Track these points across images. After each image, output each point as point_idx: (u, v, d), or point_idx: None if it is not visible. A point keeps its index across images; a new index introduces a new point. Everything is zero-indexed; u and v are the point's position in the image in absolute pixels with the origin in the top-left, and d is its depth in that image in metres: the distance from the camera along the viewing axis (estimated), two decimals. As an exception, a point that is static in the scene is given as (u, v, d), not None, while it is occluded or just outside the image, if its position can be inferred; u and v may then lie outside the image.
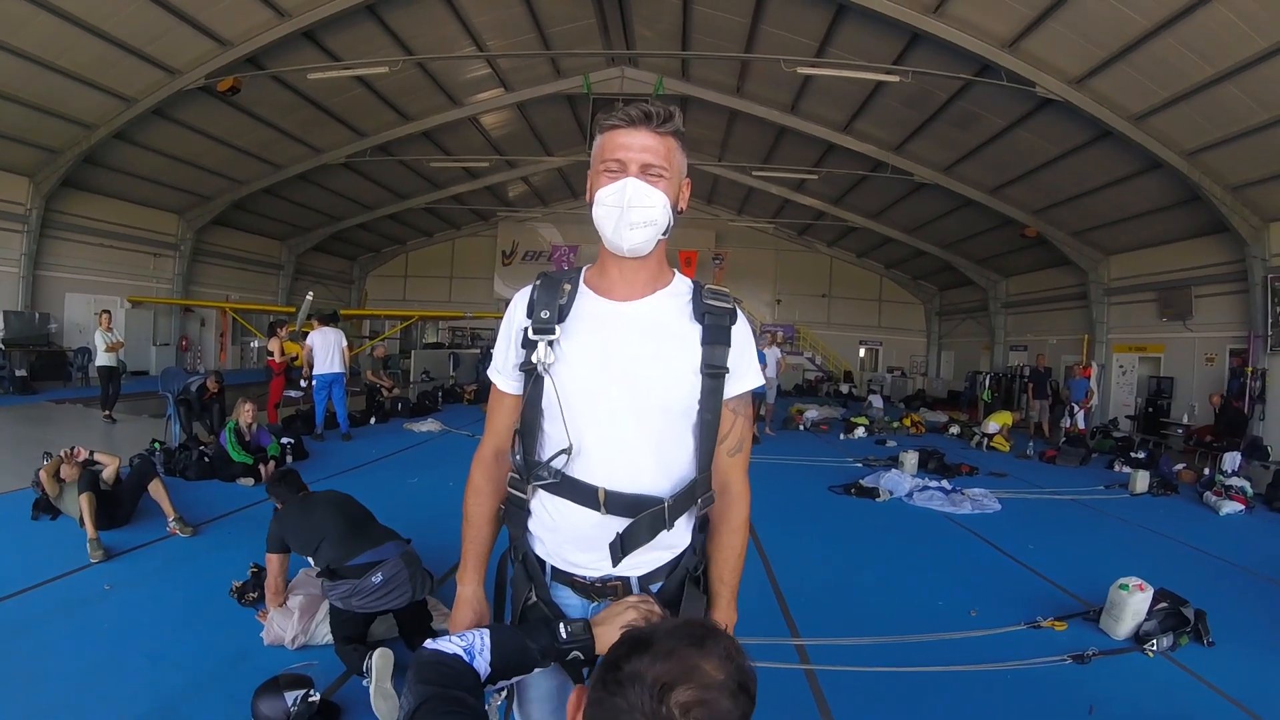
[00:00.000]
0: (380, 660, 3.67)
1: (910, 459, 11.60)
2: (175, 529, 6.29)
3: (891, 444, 14.53)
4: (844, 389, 28.44)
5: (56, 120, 15.87)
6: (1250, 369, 15.12)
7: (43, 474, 6.44)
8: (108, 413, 12.79)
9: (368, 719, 3.60)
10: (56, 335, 18.89)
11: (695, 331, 1.75)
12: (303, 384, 12.84)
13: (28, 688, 3.69)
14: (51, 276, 18.96)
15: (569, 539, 1.79)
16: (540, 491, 1.78)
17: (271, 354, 13.32)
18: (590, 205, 1.73)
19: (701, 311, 1.76)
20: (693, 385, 1.73)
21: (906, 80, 14.70)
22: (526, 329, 1.75)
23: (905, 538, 7.89)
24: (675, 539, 1.81)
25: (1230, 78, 11.58)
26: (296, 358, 13.46)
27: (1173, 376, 18.19)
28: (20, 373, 16.75)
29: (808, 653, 4.60)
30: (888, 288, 33.48)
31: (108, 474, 6.57)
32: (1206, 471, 11.92)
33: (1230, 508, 9.94)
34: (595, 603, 1.83)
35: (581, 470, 1.72)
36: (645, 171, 1.67)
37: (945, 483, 10.20)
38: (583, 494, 1.72)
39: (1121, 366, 20.26)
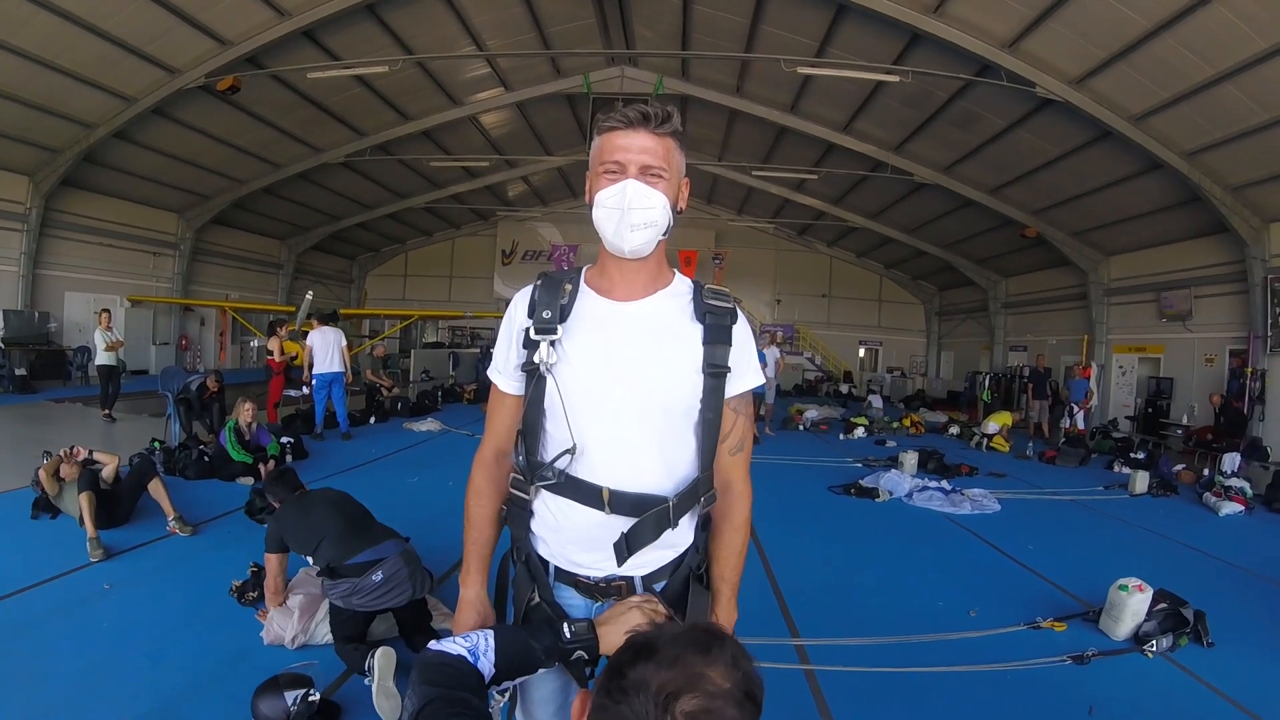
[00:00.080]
0: (382, 659, 3.66)
1: (910, 459, 11.60)
2: (175, 528, 6.29)
3: (891, 444, 14.52)
4: (844, 389, 28.41)
5: (56, 119, 15.86)
6: (1250, 370, 15.12)
7: (42, 473, 6.44)
8: (107, 412, 12.78)
9: (368, 718, 3.60)
10: (56, 334, 18.87)
11: (696, 331, 1.75)
12: (305, 389, 12.81)
13: (28, 687, 3.69)
14: (51, 275, 18.95)
15: (573, 539, 1.79)
16: (543, 492, 1.78)
17: (271, 353, 13.32)
18: (590, 207, 1.73)
19: (702, 311, 1.76)
20: (695, 384, 1.73)
21: (906, 80, 14.70)
22: (528, 329, 1.75)
23: (905, 538, 7.88)
24: (678, 538, 1.81)
25: (1230, 78, 11.58)
26: (296, 357, 13.47)
27: (1172, 377, 18.19)
28: (20, 372, 16.75)
29: (807, 653, 4.60)
30: (887, 288, 33.47)
31: (107, 473, 6.57)
32: (1206, 472, 11.92)
33: (1230, 508, 9.94)
34: (599, 603, 1.83)
35: (585, 470, 1.72)
36: (644, 173, 1.67)
37: (945, 483, 10.19)
38: (586, 494, 1.72)
39: (1121, 367, 20.26)
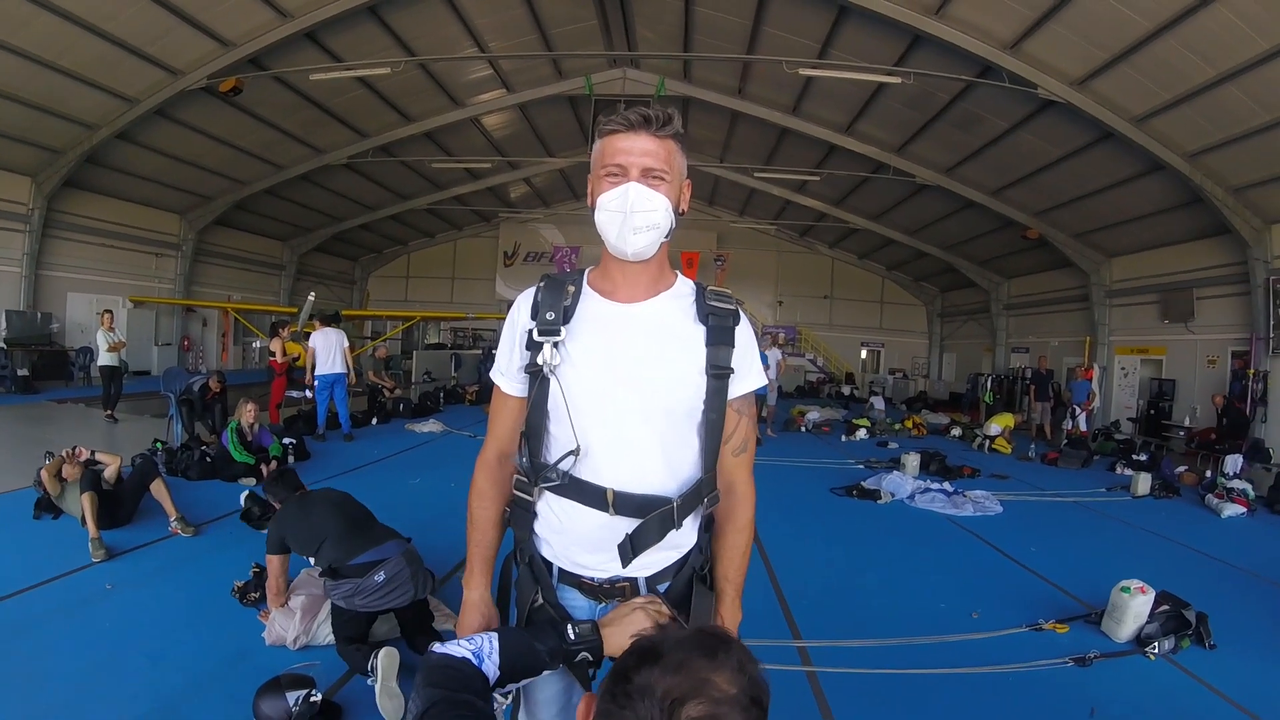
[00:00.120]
0: (386, 659, 3.67)
1: (912, 461, 11.60)
2: (177, 529, 6.29)
3: (893, 446, 14.51)
4: (846, 391, 28.39)
5: (58, 120, 15.89)
6: (1252, 371, 15.10)
7: (44, 473, 6.45)
8: (109, 412, 12.79)
9: (369, 719, 3.61)
10: (58, 335, 18.92)
11: (699, 333, 1.76)
12: (308, 393, 12.82)
13: (29, 687, 3.69)
14: (53, 276, 18.98)
15: (576, 540, 1.79)
16: (547, 493, 1.79)
17: (273, 354, 13.32)
18: (592, 210, 1.73)
19: (705, 313, 1.77)
20: (698, 386, 1.74)
21: (908, 82, 14.71)
22: (531, 331, 1.75)
23: (907, 540, 7.88)
24: (682, 539, 1.82)
25: (1232, 79, 11.57)
26: (298, 358, 13.46)
27: (1174, 379, 18.17)
28: (22, 372, 16.78)
29: (809, 655, 4.61)
30: (889, 289, 33.43)
31: (109, 473, 6.56)
32: (1208, 474, 11.91)
33: (1232, 510, 9.93)
34: (603, 604, 1.83)
35: (589, 472, 1.72)
36: (646, 175, 1.67)
37: (947, 485, 10.19)
38: (590, 495, 1.72)
39: (1123, 369, 20.23)
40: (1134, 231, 18.03)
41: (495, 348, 1.97)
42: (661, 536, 1.73)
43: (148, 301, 21.91)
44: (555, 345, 1.71)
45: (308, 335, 12.98)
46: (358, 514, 4.50)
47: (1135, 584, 5.11)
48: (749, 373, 1.82)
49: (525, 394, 1.80)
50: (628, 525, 1.71)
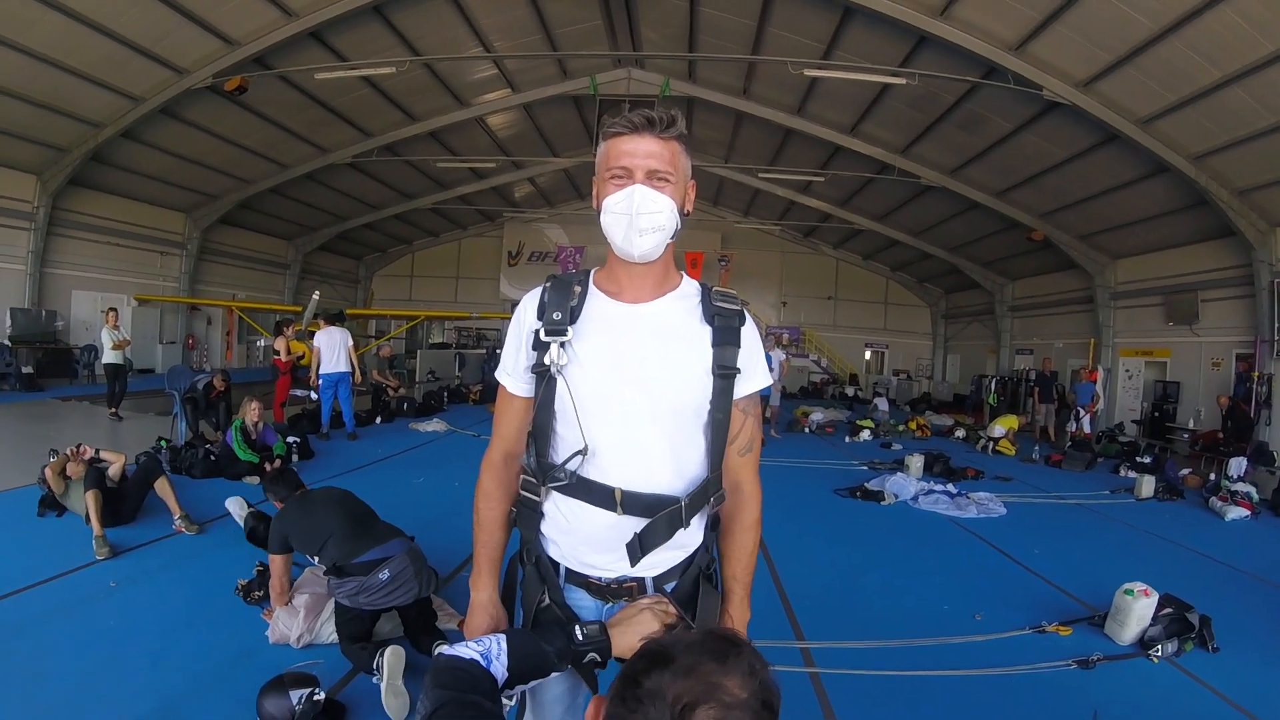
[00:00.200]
0: (392, 658, 3.68)
1: (916, 462, 11.58)
2: (181, 527, 6.31)
3: (897, 447, 14.47)
4: (849, 392, 28.38)
5: (64, 119, 15.93)
6: (1256, 374, 15.08)
7: (48, 471, 6.47)
8: (114, 410, 12.81)
9: (372, 718, 3.61)
10: (63, 333, 18.97)
11: (705, 333, 1.77)
12: (312, 393, 12.83)
13: (31, 684, 3.70)
14: (58, 274, 19.03)
15: (584, 540, 1.79)
16: (554, 493, 1.79)
17: (278, 353, 13.34)
18: (598, 213, 1.74)
19: (711, 313, 1.78)
20: (704, 386, 1.75)
21: (913, 83, 14.69)
22: (538, 331, 1.75)
23: (910, 541, 7.86)
24: (689, 538, 1.82)
25: (1237, 81, 11.55)
26: (303, 357, 13.48)
27: (1179, 381, 18.15)
28: (27, 370, 16.81)
29: (812, 656, 4.61)
30: (894, 290, 33.42)
31: (113, 471, 6.59)
32: (1212, 476, 11.89)
33: (1236, 513, 9.90)
34: (610, 604, 1.84)
35: (596, 472, 1.73)
36: (651, 177, 1.68)
37: (951, 486, 10.17)
38: (598, 495, 1.73)
39: (1128, 371, 20.21)
40: (1139, 233, 18.00)
41: (499, 347, 1.97)
42: (670, 536, 1.74)
43: (152, 300, 21.95)
44: (562, 345, 1.72)
45: (312, 334, 13.00)
46: (360, 512, 4.50)
47: (1139, 586, 5.11)
48: (754, 373, 1.83)
49: (531, 394, 1.81)
50: (636, 525, 1.71)
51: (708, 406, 1.76)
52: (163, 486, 6.47)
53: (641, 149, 1.68)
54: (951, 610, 5.60)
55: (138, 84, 15.52)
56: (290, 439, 9.89)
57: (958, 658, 4.70)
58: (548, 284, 1.82)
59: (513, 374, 1.87)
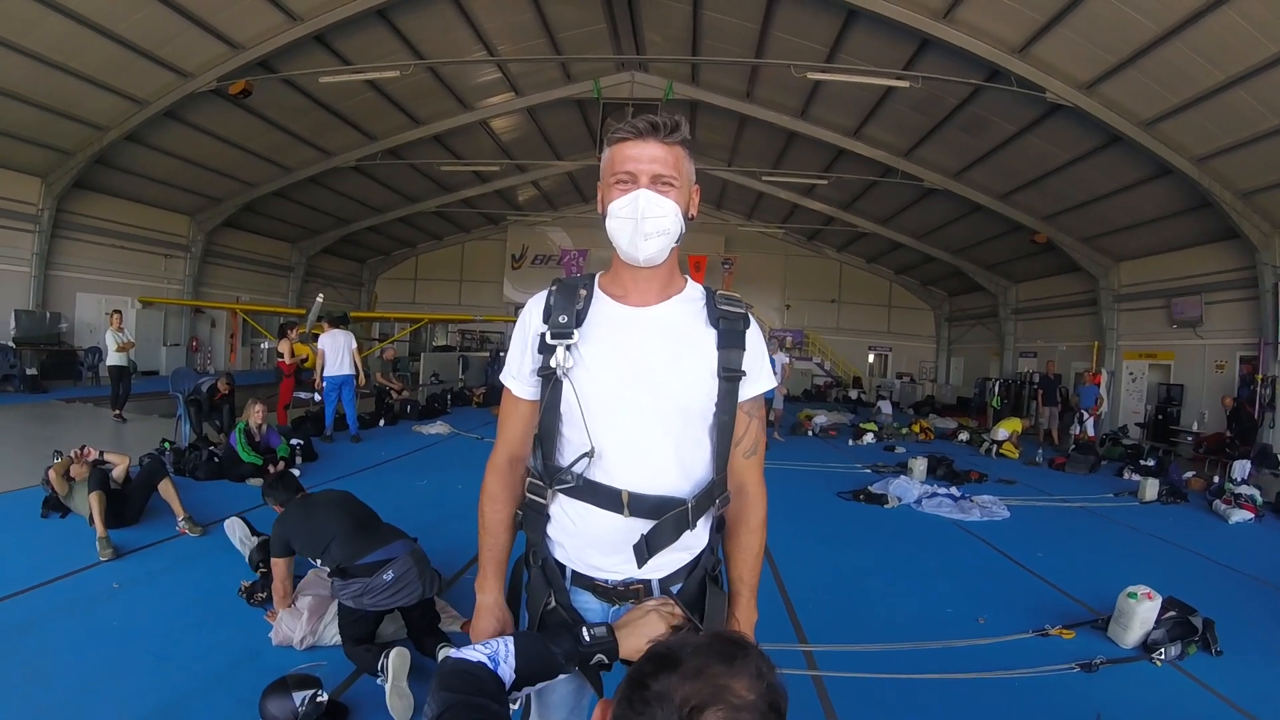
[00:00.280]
0: (397, 659, 3.69)
1: (919, 465, 11.58)
2: (184, 528, 6.32)
3: (900, 450, 14.45)
4: (853, 394, 28.43)
5: (69, 122, 15.97)
6: (1260, 376, 15.06)
7: (52, 473, 6.49)
8: (118, 412, 12.83)
9: (376, 719, 3.62)
10: (67, 335, 19.02)
11: (710, 336, 1.77)
12: (316, 395, 12.84)
13: (35, 686, 3.71)
14: (63, 276, 19.06)
15: (591, 543, 1.80)
16: (560, 496, 1.79)
17: (282, 355, 13.35)
18: (603, 218, 1.75)
19: (716, 316, 1.79)
20: (710, 388, 1.75)
21: (916, 86, 14.73)
22: (544, 334, 1.76)
23: (914, 544, 7.86)
24: (694, 540, 1.83)
25: (1240, 83, 11.56)
26: (307, 359, 13.49)
27: (1183, 384, 18.12)
28: (31, 371, 16.85)
29: (815, 659, 4.60)
30: (897, 293, 33.44)
31: (117, 473, 6.59)
32: (1216, 479, 11.87)
33: (1240, 516, 9.88)
34: (616, 606, 1.84)
35: (602, 474, 1.74)
36: (656, 182, 1.69)
37: (954, 489, 10.17)
38: (605, 497, 1.73)
39: (1131, 373, 20.18)
40: (1142, 236, 18.00)
41: (503, 350, 1.98)
42: (677, 537, 1.74)
43: (156, 302, 22.00)
44: (568, 348, 1.73)
45: (316, 337, 13.02)
46: (362, 514, 4.51)
47: (1142, 589, 5.10)
48: (759, 375, 1.84)
49: (536, 397, 1.82)
50: (642, 526, 1.72)
51: (713, 409, 1.76)
52: (166, 488, 6.48)
53: (646, 154, 1.69)
54: (955, 613, 5.60)
55: (142, 87, 15.56)
56: (294, 441, 9.91)
57: (961, 661, 4.69)
58: (553, 288, 1.83)
59: (518, 377, 1.88)
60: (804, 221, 28.95)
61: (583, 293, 1.80)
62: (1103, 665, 4.66)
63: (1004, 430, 15.24)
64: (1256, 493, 10.65)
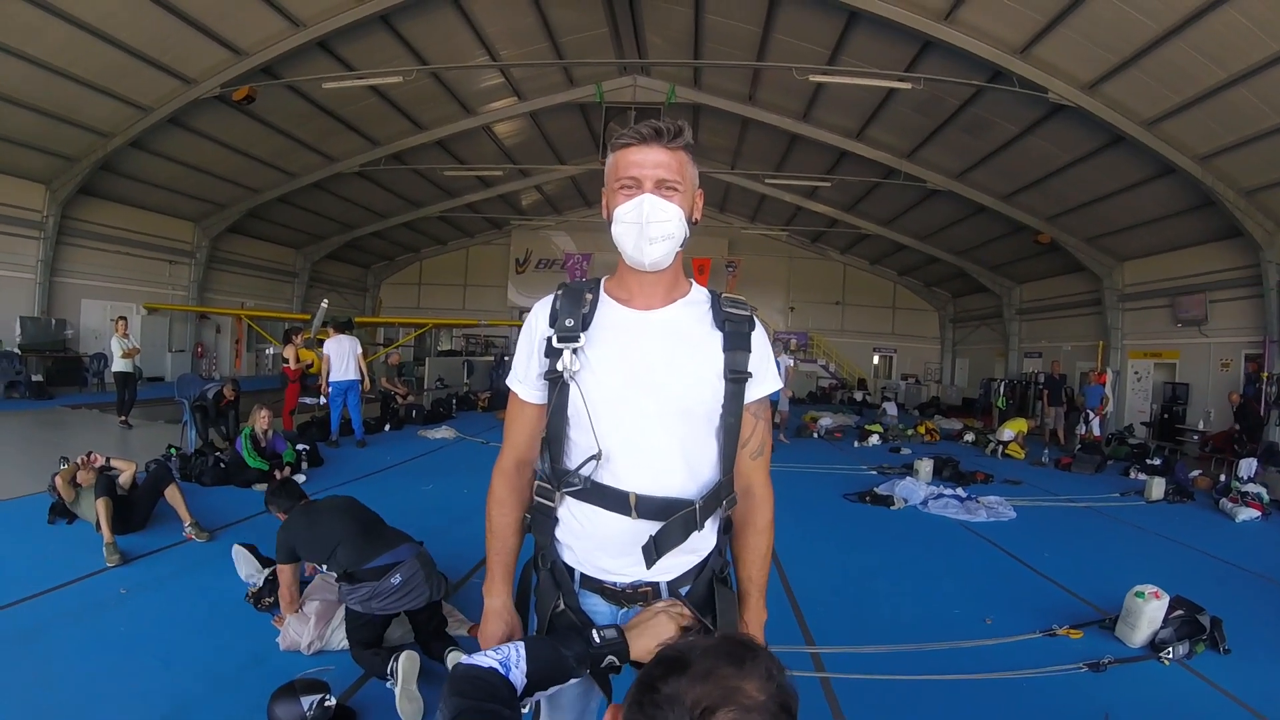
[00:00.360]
0: (407, 663, 3.70)
1: (925, 466, 11.56)
2: (191, 534, 6.33)
3: (906, 451, 14.44)
4: (858, 396, 28.40)
5: (73, 128, 16.04)
6: (1266, 374, 15.02)
7: (59, 479, 6.50)
8: (124, 418, 12.85)
9: (383, 723, 3.62)
10: (73, 341, 19.08)
11: (716, 338, 1.78)
12: (321, 400, 12.85)
13: (42, 691, 3.72)
14: (68, 283, 19.15)
15: (599, 545, 1.80)
16: (568, 499, 1.80)
17: (287, 361, 13.36)
18: (609, 223, 1.76)
19: (721, 319, 1.80)
20: (716, 390, 1.76)
21: (918, 87, 14.72)
22: (550, 338, 1.77)
23: (920, 545, 7.85)
24: (702, 542, 1.83)
25: (1242, 81, 11.55)
26: (312, 364, 13.51)
27: (1188, 382, 18.09)
28: (37, 378, 16.91)
29: (822, 660, 4.60)
30: (901, 295, 33.43)
31: (124, 479, 6.60)
32: (1222, 478, 11.82)
33: (1246, 514, 9.87)
34: (625, 609, 1.84)
35: (610, 476, 1.74)
36: (660, 187, 1.70)
37: (960, 490, 10.14)
38: (613, 500, 1.74)
39: (1136, 373, 20.15)
40: (1145, 235, 17.98)
41: (508, 354, 1.98)
42: (685, 538, 1.74)
43: (161, 308, 22.05)
44: (575, 352, 1.73)
45: (321, 342, 13.03)
46: (367, 518, 4.52)
47: (1149, 589, 5.09)
48: (765, 377, 1.84)
49: (543, 401, 1.83)
50: (650, 528, 1.72)
51: (719, 410, 1.77)
52: (173, 494, 6.48)
53: (650, 159, 1.70)
54: (962, 614, 5.59)
55: (146, 94, 15.62)
56: (300, 446, 9.93)
57: (968, 662, 4.69)
58: (559, 292, 1.84)
59: (524, 381, 1.88)
60: (807, 224, 28.99)
61: (589, 297, 1.82)
62: (1110, 665, 4.65)
63: (1009, 431, 15.23)
64: (1263, 491, 10.62)
